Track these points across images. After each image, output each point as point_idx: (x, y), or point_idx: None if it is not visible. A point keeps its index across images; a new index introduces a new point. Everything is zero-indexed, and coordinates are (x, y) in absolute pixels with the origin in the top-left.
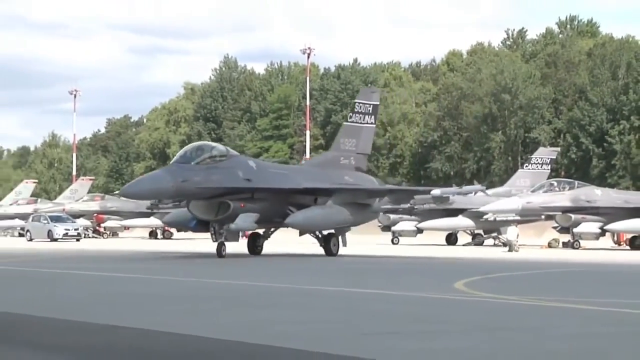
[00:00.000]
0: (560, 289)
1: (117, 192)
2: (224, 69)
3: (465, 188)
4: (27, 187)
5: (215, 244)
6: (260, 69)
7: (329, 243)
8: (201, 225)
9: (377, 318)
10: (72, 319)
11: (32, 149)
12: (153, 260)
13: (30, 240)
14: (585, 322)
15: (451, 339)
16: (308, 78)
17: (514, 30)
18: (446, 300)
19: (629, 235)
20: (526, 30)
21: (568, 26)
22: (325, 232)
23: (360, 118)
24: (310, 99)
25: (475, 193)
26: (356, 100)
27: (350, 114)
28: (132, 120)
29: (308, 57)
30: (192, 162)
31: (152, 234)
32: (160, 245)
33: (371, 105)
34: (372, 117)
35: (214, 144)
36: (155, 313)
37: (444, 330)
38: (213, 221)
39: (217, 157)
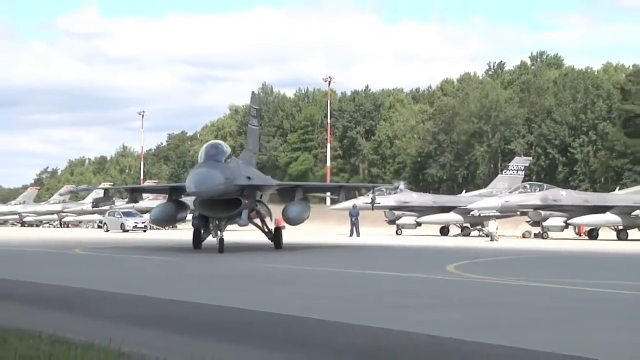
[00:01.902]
0: (534, 272)
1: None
2: (261, 93)
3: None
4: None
5: (215, 239)
6: (290, 94)
7: (279, 237)
8: (202, 222)
9: (387, 295)
10: (138, 294)
11: (108, 158)
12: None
13: (107, 231)
14: (556, 297)
15: (449, 311)
16: (329, 101)
17: (495, 63)
18: (442, 281)
19: (588, 228)
20: (505, 63)
21: (538, 60)
22: (272, 227)
23: (252, 122)
24: (331, 118)
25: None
26: (251, 105)
27: (251, 118)
28: (188, 135)
29: (329, 85)
30: (222, 160)
31: None
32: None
33: (256, 110)
34: (257, 120)
35: (223, 143)
36: (199, 290)
37: (443, 305)
38: (222, 218)
39: (231, 156)
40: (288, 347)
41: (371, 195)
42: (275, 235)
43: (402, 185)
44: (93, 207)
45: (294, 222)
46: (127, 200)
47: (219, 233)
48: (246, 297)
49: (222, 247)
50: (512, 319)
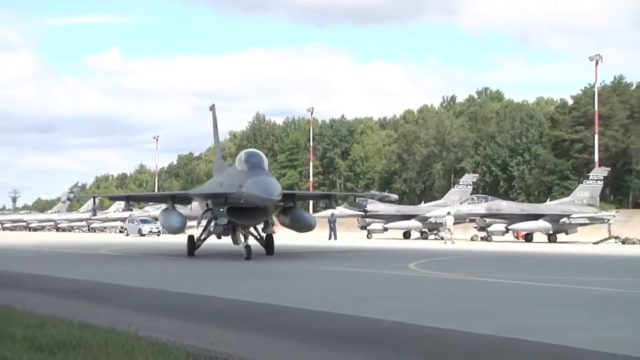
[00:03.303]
0: (481, 268)
1: None
2: (255, 121)
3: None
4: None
5: (241, 246)
6: (279, 121)
7: (271, 242)
8: (229, 229)
9: (360, 288)
10: (151, 287)
11: (128, 174)
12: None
13: (127, 235)
14: (500, 289)
15: (411, 302)
16: (311, 127)
17: (448, 96)
18: (405, 276)
19: (524, 232)
20: (456, 96)
21: (483, 94)
22: (264, 234)
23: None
24: (313, 141)
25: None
26: (215, 117)
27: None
28: (194, 155)
29: (311, 114)
30: (267, 169)
31: None
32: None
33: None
34: (216, 130)
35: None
36: (208, 284)
37: (406, 296)
38: (249, 225)
39: None
40: (278, 331)
41: (363, 203)
42: (267, 241)
43: (379, 194)
44: (92, 215)
45: (311, 228)
46: (123, 207)
47: (245, 240)
48: (226, 289)
49: (249, 253)
50: (463, 308)
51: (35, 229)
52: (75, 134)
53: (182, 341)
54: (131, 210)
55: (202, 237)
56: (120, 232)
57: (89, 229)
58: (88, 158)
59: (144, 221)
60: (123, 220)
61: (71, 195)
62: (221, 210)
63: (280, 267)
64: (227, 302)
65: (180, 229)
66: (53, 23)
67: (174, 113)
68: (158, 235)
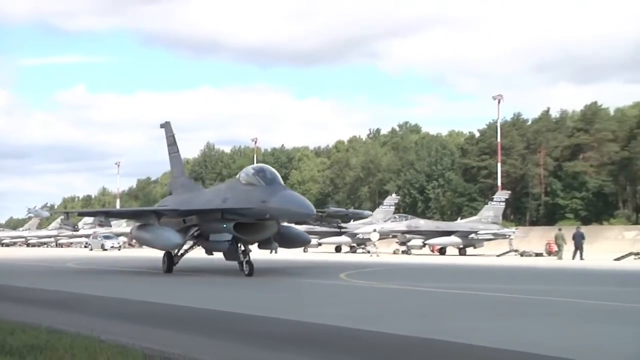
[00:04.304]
0: (403, 278)
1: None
2: (206, 149)
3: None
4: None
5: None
6: (227, 149)
7: (251, 261)
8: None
9: (295, 295)
10: (121, 297)
11: (92, 196)
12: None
13: (91, 250)
14: (419, 295)
15: (341, 307)
16: (255, 155)
17: (374, 128)
18: (336, 285)
19: (439, 246)
20: (380, 129)
21: (404, 127)
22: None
23: (173, 149)
24: None
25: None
26: (168, 135)
27: (171, 146)
28: (152, 179)
29: (255, 143)
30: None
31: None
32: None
33: (173, 137)
34: (176, 146)
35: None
36: (181, 294)
37: (336, 302)
38: (253, 241)
39: None
40: (218, 333)
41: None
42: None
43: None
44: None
45: (306, 243)
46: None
47: (246, 256)
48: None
49: (252, 270)
50: (386, 312)
51: (7, 245)
52: (45, 160)
53: (140, 343)
54: (111, 226)
55: (180, 253)
56: (85, 247)
57: (56, 245)
58: (56, 181)
59: (106, 237)
60: (88, 236)
61: (44, 212)
62: (225, 225)
63: (226, 279)
64: (176, 309)
65: (180, 245)
66: (26, 63)
67: (133, 142)
68: (119, 249)
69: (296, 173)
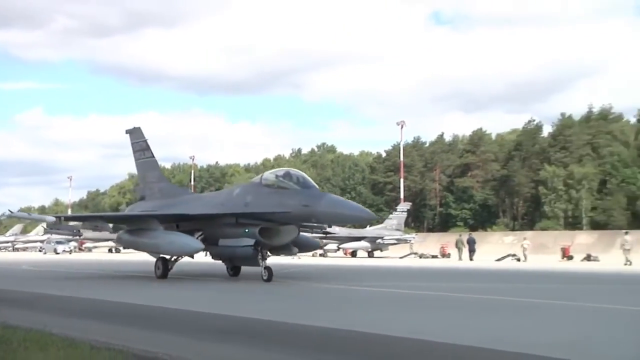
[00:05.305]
0: (322, 277)
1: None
2: None
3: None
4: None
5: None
6: (168, 165)
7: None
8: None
9: (235, 292)
10: (72, 296)
11: (46, 206)
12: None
13: (45, 254)
14: (338, 292)
15: (270, 303)
16: (192, 171)
17: (296, 149)
18: (264, 284)
19: (351, 250)
20: (302, 149)
21: (322, 147)
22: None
23: (146, 154)
24: (193, 181)
25: None
26: (139, 141)
27: (143, 152)
28: (101, 192)
29: (193, 160)
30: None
31: (110, 250)
32: (122, 256)
33: (145, 142)
34: (149, 151)
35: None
36: (143, 293)
37: (266, 299)
38: (275, 247)
39: None
40: (179, 327)
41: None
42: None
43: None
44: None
45: (316, 247)
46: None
47: (264, 262)
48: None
49: (271, 275)
50: (314, 307)
51: None
52: (5, 174)
53: (90, 336)
54: (111, 231)
55: (174, 259)
56: (39, 251)
57: (13, 249)
58: (14, 193)
59: (58, 242)
60: (42, 241)
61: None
62: (247, 230)
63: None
64: (132, 307)
65: (202, 249)
66: None
67: (85, 159)
68: (70, 253)
69: (228, 187)
